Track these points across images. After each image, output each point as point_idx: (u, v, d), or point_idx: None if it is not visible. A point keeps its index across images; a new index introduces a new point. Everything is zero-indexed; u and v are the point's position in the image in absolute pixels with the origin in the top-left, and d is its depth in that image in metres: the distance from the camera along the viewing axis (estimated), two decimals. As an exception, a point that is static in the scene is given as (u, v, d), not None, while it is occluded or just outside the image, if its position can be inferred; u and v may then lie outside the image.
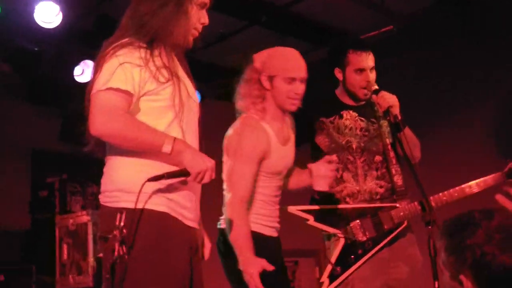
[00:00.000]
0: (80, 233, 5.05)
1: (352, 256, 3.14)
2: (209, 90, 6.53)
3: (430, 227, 2.67)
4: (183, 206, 2.35)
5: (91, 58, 3.04)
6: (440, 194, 3.14)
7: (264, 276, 2.65)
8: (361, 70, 3.28)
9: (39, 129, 5.86)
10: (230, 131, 2.94)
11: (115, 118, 2.22)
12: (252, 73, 2.97)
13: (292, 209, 3.13)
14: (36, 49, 5.30)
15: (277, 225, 3.01)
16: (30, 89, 6.24)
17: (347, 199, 3.26)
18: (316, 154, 3.32)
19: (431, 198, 3.08)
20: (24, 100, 6.05)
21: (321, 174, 2.94)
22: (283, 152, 2.98)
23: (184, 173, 2.23)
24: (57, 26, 5.01)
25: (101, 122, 2.21)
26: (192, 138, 2.41)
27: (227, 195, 2.83)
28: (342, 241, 3.17)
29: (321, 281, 3.17)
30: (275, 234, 2.99)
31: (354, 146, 3.30)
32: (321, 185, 2.96)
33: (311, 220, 3.15)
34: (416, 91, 5.78)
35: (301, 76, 2.92)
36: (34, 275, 5.08)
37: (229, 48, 6.18)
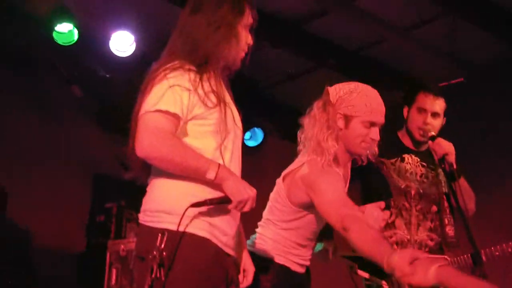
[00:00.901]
0: (130, 259, 5.04)
1: None
2: (274, 128, 6.61)
3: None
4: (224, 233, 2.33)
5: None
6: (492, 248, 3.09)
7: None
8: (423, 110, 3.26)
9: (105, 154, 5.99)
10: (303, 172, 2.72)
11: (163, 141, 2.22)
12: (325, 109, 2.75)
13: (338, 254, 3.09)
14: (108, 75, 5.45)
15: (307, 263, 2.93)
16: (99, 114, 6.40)
17: (394, 247, 3.13)
18: (368, 194, 3.26)
19: (483, 251, 3.05)
20: (93, 125, 6.21)
21: (372, 218, 2.75)
22: None
23: (226, 200, 2.25)
24: (131, 55, 5.20)
25: (149, 144, 2.21)
26: (236, 164, 2.41)
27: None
28: None
29: None
30: (302, 270, 2.91)
31: (412, 192, 3.26)
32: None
33: (355, 267, 3.06)
34: (483, 143, 5.69)
35: (381, 122, 2.72)
36: (83, 298, 5.20)
37: (298, 88, 6.24)
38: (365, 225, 2.35)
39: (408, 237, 3.21)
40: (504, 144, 5.73)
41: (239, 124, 2.48)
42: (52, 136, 6.05)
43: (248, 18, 2.45)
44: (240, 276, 2.52)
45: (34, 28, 5.16)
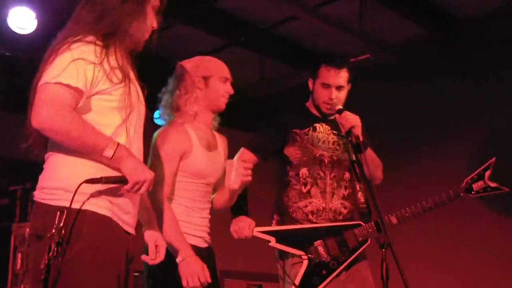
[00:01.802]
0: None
1: (315, 278, 3.18)
2: None
3: (384, 250, 2.77)
4: (126, 211, 2.34)
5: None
6: (403, 210, 3.23)
7: None
8: (327, 86, 3.35)
9: (8, 136, 5.72)
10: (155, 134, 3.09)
11: (61, 113, 2.18)
12: (182, 78, 3.10)
13: (254, 231, 3.19)
14: (8, 54, 5.22)
15: (205, 235, 3.05)
16: (2, 95, 6.12)
17: (310, 216, 3.28)
18: (283, 166, 3.38)
19: (396, 214, 3.20)
20: (-5, 107, 5.98)
21: (233, 172, 2.96)
22: (206, 157, 3.05)
23: (122, 180, 2.26)
24: (32, 32, 4.98)
25: (46, 115, 2.17)
26: (138, 142, 2.43)
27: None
28: (305, 262, 3.20)
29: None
30: (203, 245, 3.01)
31: (326, 160, 3.35)
32: (233, 183, 2.96)
33: (273, 242, 3.20)
34: (404, 119, 5.97)
35: (230, 78, 3.11)
36: (-16, 284, 5.06)
37: None
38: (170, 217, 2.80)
39: (324, 205, 3.29)
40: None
41: (143, 101, 2.49)
42: (-48, 118, 5.85)
43: (156, 0, 2.48)
44: (153, 252, 2.56)
45: None
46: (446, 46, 6.01)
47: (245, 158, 3.29)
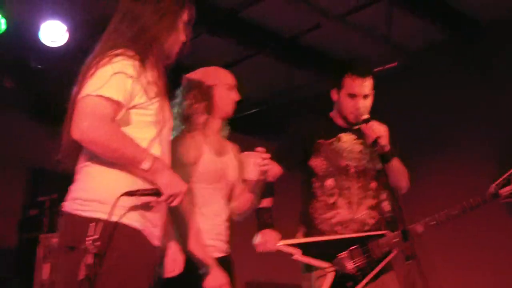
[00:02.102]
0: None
1: None
2: None
3: (409, 261, 2.78)
4: (154, 225, 2.38)
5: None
6: (428, 218, 3.21)
7: None
8: (353, 96, 3.32)
9: (38, 148, 5.84)
10: None
11: (102, 125, 2.22)
12: (190, 89, 3.13)
13: (279, 244, 3.21)
14: (40, 66, 5.31)
15: (219, 243, 3.02)
16: (33, 106, 6.23)
17: (336, 228, 3.27)
18: (308, 177, 3.36)
19: (421, 222, 3.17)
20: (27, 117, 6.06)
21: (251, 163, 2.99)
22: (216, 161, 3.07)
23: (157, 193, 2.29)
24: (63, 45, 5.09)
25: (87, 126, 2.19)
26: (167, 156, 2.48)
27: None
28: (331, 275, 3.17)
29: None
30: (219, 254, 3.00)
31: (352, 170, 3.33)
32: (250, 174, 2.98)
33: (298, 254, 3.19)
34: (420, 124, 5.99)
35: (236, 84, 3.16)
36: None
37: (236, 76, 6.23)
38: None
39: (351, 216, 3.28)
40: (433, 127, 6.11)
41: (171, 115, 2.56)
42: (-17, 129, 6.02)
43: (186, 15, 2.52)
44: (172, 264, 2.61)
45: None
46: (466, 50, 5.95)
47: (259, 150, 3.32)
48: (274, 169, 3.20)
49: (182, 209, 2.89)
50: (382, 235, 3.25)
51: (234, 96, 3.15)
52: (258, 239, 3.22)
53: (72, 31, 5.14)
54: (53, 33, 5.12)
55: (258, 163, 2.93)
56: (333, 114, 3.47)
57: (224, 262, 3.01)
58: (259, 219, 3.29)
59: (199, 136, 3.10)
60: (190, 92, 3.13)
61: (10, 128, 6.00)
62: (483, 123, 5.92)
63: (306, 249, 3.22)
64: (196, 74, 3.19)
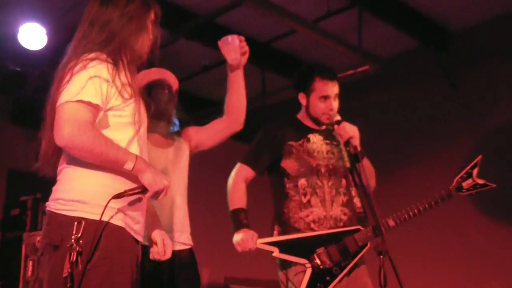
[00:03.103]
0: (44, 250, 5.06)
1: (320, 284, 3.20)
2: (190, 119, 6.67)
3: (381, 257, 2.80)
4: (137, 221, 2.43)
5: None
6: (399, 212, 3.27)
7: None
8: (326, 98, 3.37)
9: (19, 149, 5.91)
10: None
11: (84, 131, 2.25)
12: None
13: (257, 242, 3.22)
14: (18, 69, 5.32)
15: (176, 235, 3.10)
16: (12, 110, 6.21)
17: (312, 225, 3.30)
18: (280, 178, 3.39)
19: (393, 216, 3.24)
20: (7, 119, 6.05)
21: (230, 47, 3.03)
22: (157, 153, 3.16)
23: (143, 190, 2.35)
24: (43, 48, 5.06)
25: (70, 133, 2.22)
26: (145, 154, 2.51)
27: None
28: (309, 270, 3.21)
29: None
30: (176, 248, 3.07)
31: (323, 170, 3.37)
32: (232, 57, 3.03)
33: (276, 252, 3.23)
34: (393, 128, 6.10)
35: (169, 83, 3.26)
36: (-3, 293, 5.07)
37: (211, 80, 6.33)
38: None
39: (324, 213, 3.31)
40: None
41: (146, 115, 2.58)
42: (-38, 132, 5.92)
43: (153, 14, 2.55)
44: (162, 248, 2.66)
45: None
46: (435, 57, 6.06)
47: (241, 173, 3.39)
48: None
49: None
50: (357, 230, 3.29)
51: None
52: (237, 239, 3.25)
53: (51, 34, 5.10)
54: (32, 36, 5.06)
55: (240, 45, 2.98)
56: (301, 116, 3.51)
57: (178, 257, 3.08)
58: (235, 220, 3.32)
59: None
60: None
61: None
62: (451, 127, 6.06)
63: (283, 246, 3.26)
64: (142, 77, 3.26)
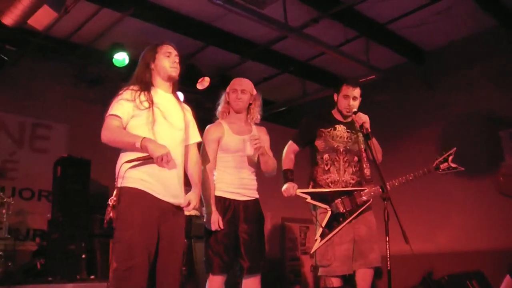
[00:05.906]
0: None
1: (335, 223, 3.46)
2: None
3: (385, 202, 3.06)
4: (154, 185, 2.66)
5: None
6: (392, 181, 3.44)
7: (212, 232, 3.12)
8: (347, 97, 3.55)
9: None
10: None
11: (108, 130, 2.64)
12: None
13: (297, 191, 3.46)
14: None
15: (243, 191, 3.35)
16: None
17: (330, 185, 3.51)
18: (314, 152, 3.60)
19: (388, 183, 3.33)
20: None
21: (248, 144, 3.32)
22: (236, 139, 3.38)
23: (148, 157, 2.58)
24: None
25: (103, 134, 2.65)
26: (170, 142, 2.72)
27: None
28: (329, 213, 3.47)
29: (315, 238, 3.50)
30: (242, 198, 3.34)
31: (341, 149, 3.55)
32: (248, 151, 3.33)
33: (309, 199, 3.48)
34: (390, 118, 6.55)
35: (239, 88, 3.47)
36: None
37: (270, 87, 6.86)
38: None
39: (338, 178, 3.53)
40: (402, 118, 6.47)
41: (176, 117, 2.87)
42: None
43: (164, 51, 2.87)
44: (186, 203, 2.84)
45: None
46: (416, 68, 6.56)
47: (291, 147, 3.61)
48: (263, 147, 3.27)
49: (203, 171, 3.17)
50: (363, 190, 3.49)
51: (237, 97, 3.50)
52: (284, 188, 3.45)
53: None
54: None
55: (252, 144, 3.25)
56: (334, 111, 3.66)
57: (247, 204, 3.38)
58: (284, 176, 3.53)
59: (223, 122, 3.44)
60: (223, 96, 3.50)
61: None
62: (427, 115, 6.48)
63: (313, 196, 3.51)
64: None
